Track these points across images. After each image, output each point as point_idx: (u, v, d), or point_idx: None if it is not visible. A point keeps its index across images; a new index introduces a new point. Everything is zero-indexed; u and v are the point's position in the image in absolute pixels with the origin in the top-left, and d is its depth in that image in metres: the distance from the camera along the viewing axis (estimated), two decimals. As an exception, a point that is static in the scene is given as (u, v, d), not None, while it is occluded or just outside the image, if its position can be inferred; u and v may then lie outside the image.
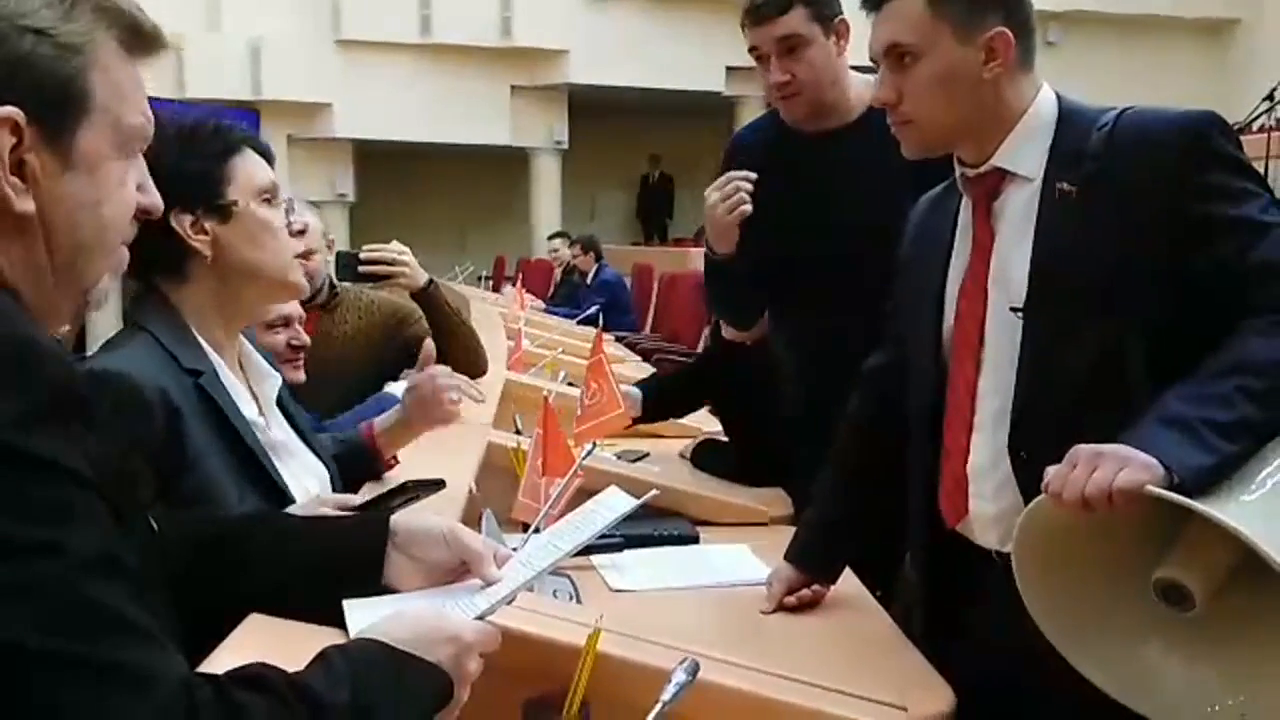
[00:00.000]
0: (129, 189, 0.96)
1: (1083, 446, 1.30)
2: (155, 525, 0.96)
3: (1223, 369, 1.35)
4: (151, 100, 0.99)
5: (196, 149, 1.51)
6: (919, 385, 1.67)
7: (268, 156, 1.59)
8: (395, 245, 2.71)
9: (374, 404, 2.44)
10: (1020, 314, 1.51)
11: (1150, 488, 1.25)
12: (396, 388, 2.54)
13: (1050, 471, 1.31)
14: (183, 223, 1.49)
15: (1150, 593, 1.33)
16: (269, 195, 1.55)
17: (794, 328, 2.45)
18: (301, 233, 1.59)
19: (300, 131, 13.79)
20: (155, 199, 1.00)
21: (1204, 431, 1.29)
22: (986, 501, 1.58)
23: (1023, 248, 1.52)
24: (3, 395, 0.75)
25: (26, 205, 0.87)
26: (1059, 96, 1.57)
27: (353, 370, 2.75)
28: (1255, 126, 8.99)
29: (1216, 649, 1.34)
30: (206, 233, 1.50)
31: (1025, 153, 1.53)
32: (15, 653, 0.71)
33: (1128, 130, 1.48)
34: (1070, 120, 1.53)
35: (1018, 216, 1.54)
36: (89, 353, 1.57)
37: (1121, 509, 1.26)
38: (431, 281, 2.71)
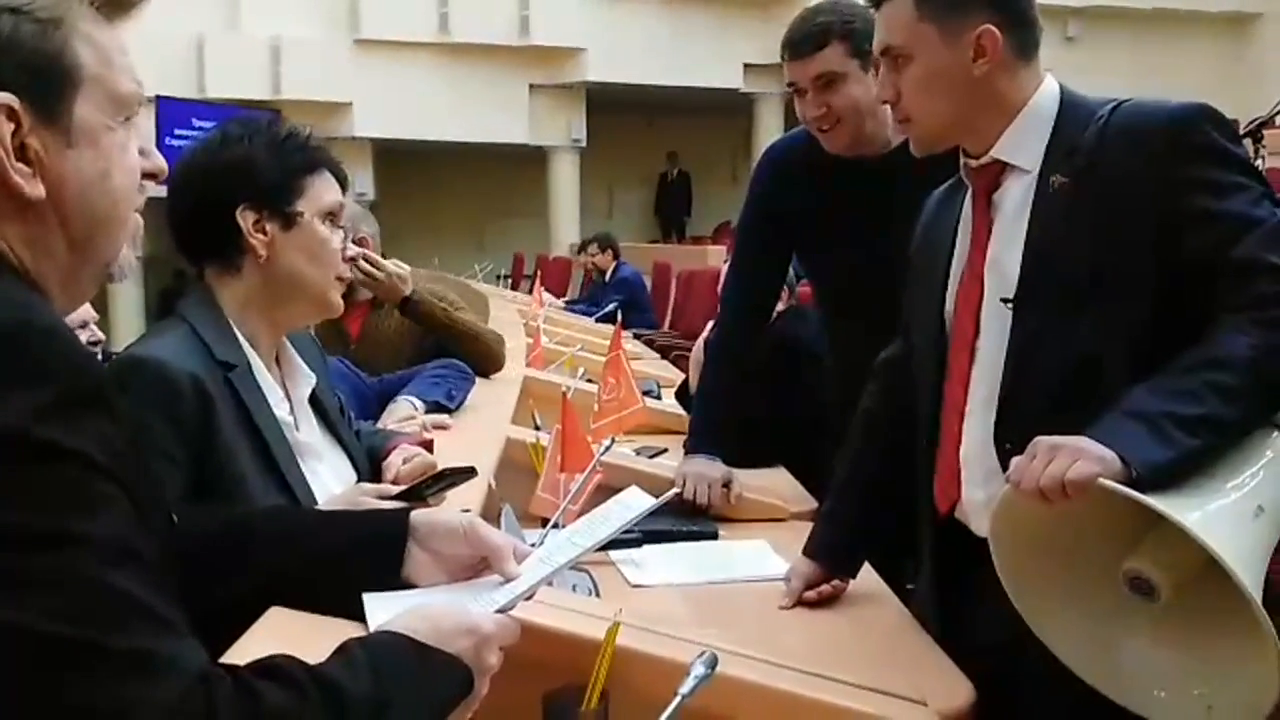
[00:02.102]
0: (133, 156, 0.95)
1: (1043, 438, 1.32)
2: (174, 517, 0.96)
3: (1195, 364, 1.35)
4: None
5: (283, 156, 1.58)
6: (922, 373, 1.68)
7: (342, 181, 1.67)
8: (393, 262, 2.77)
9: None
10: (1010, 305, 1.53)
11: (1102, 480, 1.26)
12: None
13: (1014, 462, 1.33)
14: (247, 219, 1.54)
15: (1120, 581, 1.34)
16: (333, 216, 1.62)
17: (838, 335, 2.48)
18: (362, 241, 1.66)
19: (319, 131, 13.25)
20: (159, 162, 0.99)
21: (1166, 425, 1.30)
22: (977, 488, 1.58)
23: (1017, 239, 1.53)
24: (22, 385, 0.75)
25: (38, 190, 0.87)
26: (1062, 88, 1.57)
27: (404, 362, 2.78)
28: (1279, 121, 8.90)
29: (1185, 639, 1.35)
30: (266, 234, 1.55)
31: (1024, 145, 1.54)
32: (34, 641, 0.71)
33: (1120, 123, 1.48)
34: (1070, 112, 1.53)
35: (1014, 208, 1.55)
36: (113, 343, 1.59)
37: (1079, 500, 1.28)
38: (409, 296, 2.76)
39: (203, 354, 1.47)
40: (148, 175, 0.97)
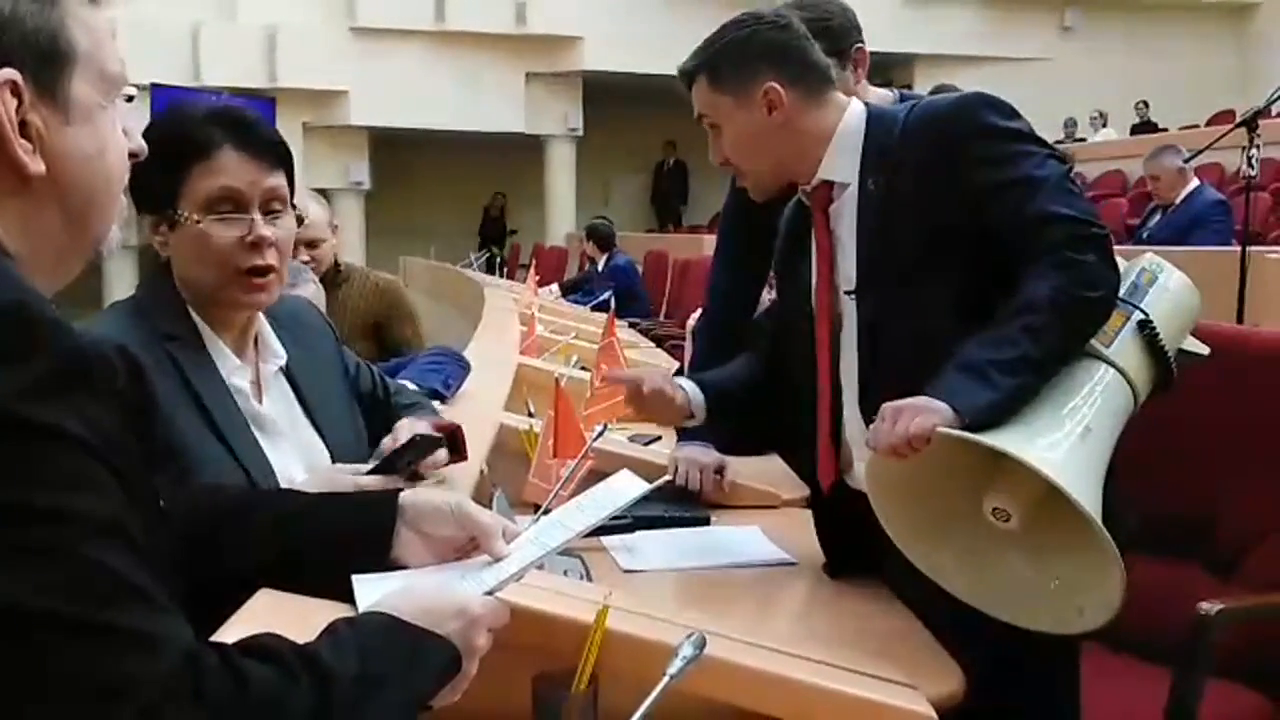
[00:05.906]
0: (120, 135, 0.96)
1: (888, 403, 1.49)
2: (161, 499, 0.96)
3: (1010, 313, 1.53)
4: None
5: (162, 150, 1.39)
6: (801, 375, 1.83)
7: (257, 145, 1.51)
8: None
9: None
10: (851, 295, 1.71)
11: (941, 429, 1.42)
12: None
13: (869, 429, 1.51)
14: (144, 222, 1.54)
15: (987, 515, 1.52)
16: (223, 206, 1.50)
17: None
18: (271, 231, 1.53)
19: (316, 119, 13.81)
20: (140, 141, 0.99)
21: (989, 371, 1.48)
22: (861, 462, 1.70)
23: (852, 242, 1.71)
24: (13, 364, 0.75)
25: (39, 167, 0.87)
26: (868, 106, 1.75)
27: (356, 346, 2.79)
28: (1275, 111, 8.90)
29: (1047, 555, 1.53)
30: (162, 235, 1.53)
31: (841, 162, 1.72)
32: (21, 618, 0.72)
33: (913, 122, 1.67)
34: (876, 124, 1.71)
35: (846, 216, 1.73)
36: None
37: (930, 450, 1.44)
38: None
39: (144, 325, 1.49)
40: (131, 155, 0.98)
